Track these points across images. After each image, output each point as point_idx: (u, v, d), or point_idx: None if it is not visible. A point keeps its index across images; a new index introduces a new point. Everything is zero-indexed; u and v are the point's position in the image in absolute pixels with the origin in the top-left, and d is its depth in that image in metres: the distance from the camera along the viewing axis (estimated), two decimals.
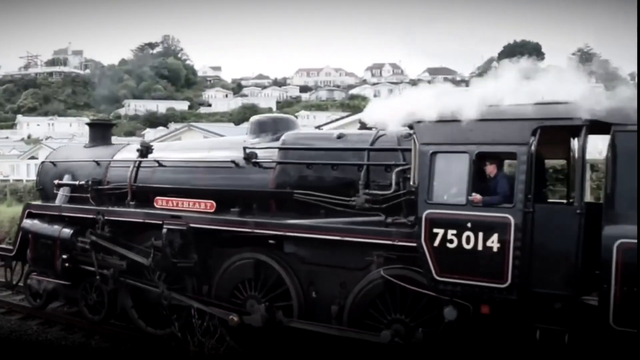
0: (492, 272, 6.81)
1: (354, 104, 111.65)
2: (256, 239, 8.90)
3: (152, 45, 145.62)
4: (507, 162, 7.91)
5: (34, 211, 11.43)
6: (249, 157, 8.96)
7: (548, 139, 7.02)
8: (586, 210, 6.49)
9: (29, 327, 11.47)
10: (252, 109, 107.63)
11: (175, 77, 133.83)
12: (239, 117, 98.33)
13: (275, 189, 8.85)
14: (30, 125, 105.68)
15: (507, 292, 6.74)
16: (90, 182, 10.72)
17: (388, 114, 7.60)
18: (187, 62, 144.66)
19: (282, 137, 9.09)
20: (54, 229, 10.79)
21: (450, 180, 7.18)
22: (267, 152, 9.14)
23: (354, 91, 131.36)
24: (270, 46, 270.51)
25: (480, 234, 6.89)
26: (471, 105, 6.93)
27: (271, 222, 8.54)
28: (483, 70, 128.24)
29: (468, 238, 6.97)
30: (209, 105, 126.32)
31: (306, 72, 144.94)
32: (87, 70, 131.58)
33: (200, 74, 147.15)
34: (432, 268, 7.15)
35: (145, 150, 10.44)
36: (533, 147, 6.65)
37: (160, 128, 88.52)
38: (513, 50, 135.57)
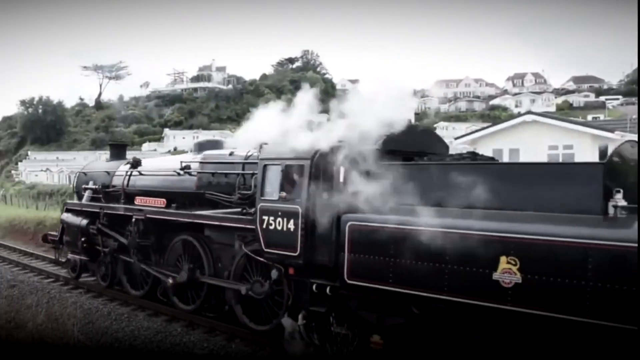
0: (290, 245, 10.30)
1: (494, 115, 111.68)
2: (189, 225, 12.94)
3: (291, 60, 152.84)
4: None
5: (68, 207, 16.42)
6: (183, 168, 13.07)
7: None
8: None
9: (174, 329, 12.73)
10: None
11: None
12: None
13: (195, 190, 12.86)
14: (176, 138, 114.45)
15: (298, 258, 10.22)
16: (100, 187, 15.42)
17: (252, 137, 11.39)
18: (326, 75, 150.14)
19: (202, 154, 13.10)
20: (78, 220, 15.62)
21: (273, 183, 10.74)
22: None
23: (494, 102, 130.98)
24: (408, 58, 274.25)
25: (285, 219, 10.42)
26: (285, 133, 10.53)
27: (178, 212, 12.65)
28: (632, 80, 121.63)
29: (279, 222, 10.52)
30: None
31: (445, 83, 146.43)
32: (230, 86, 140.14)
33: (338, 87, 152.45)
34: (262, 243, 10.77)
35: (135, 163, 14.91)
36: (313, 162, 10.09)
37: None
38: None
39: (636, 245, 6.68)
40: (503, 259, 7.83)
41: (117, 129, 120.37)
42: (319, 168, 10.09)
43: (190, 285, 12.97)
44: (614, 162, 7.71)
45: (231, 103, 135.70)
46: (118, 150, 17.08)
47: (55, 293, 15.67)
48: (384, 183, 9.25)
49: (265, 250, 10.75)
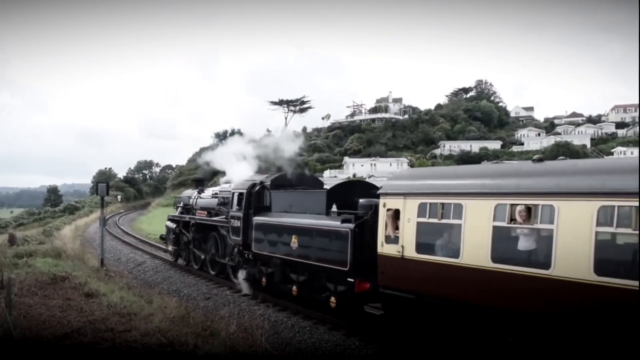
0: (239, 234, 20.30)
1: None
2: (214, 226, 23.42)
3: (465, 90, 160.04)
4: None
5: (169, 217, 27.94)
6: (214, 195, 23.70)
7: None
8: (255, 211, 19.62)
9: (352, 343, 14.05)
10: (565, 147, 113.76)
11: (488, 119, 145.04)
12: (551, 154, 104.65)
13: (216, 207, 23.34)
14: (355, 166, 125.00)
15: (240, 241, 20.15)
16: (182, 205, 26.63)
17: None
18: (500, 104, 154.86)
19: (221, 186, 23.61)
20: (172, 224, 27.01)
21: (235, 202, 20.81)
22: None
23: None
24: (584, 85, 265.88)
25: (237, 221, 20.48)
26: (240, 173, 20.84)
27: (204, 219, 23.26)
28: None
29: (236, 222, 20.59)
30: (521, 143, 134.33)
31: (623, 109, 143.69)
32: (406, 116, 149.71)
33: (512, 114, 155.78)
34: (230, 234, 20.91)
35: (199, 191, 25.85)
36: (247, 191, 20.07)
37: None
38: None
39: (335, 227, 15.81)
40: (293, 236, 17.23)
41: (301, 157, 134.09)
42: (249, 194, 20.00)
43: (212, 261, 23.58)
44: (332, 190, 16.76)
45: (407, 132, 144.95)
46: (198, 183, 28.30)
47: (245, 306, 18.66)
48: (272, 200, 19.08)
49: (232, 237, 20.88)
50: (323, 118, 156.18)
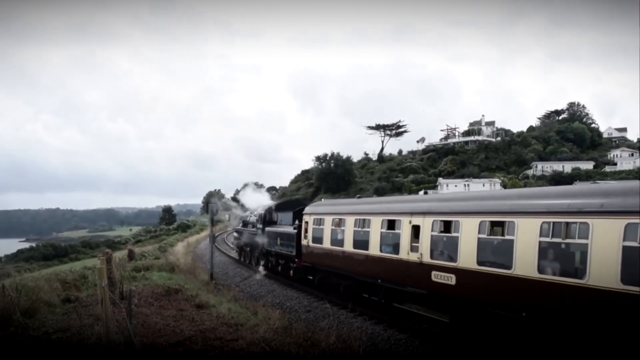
0: (260, 238, 35.06)
1: None
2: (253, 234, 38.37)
3: (557, 113, 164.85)
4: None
5: (233, 229, 43.41)
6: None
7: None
8: (267, 224, 34.39)
9: (446, 356, 15.29)
10: None
11: (581, 140, 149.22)
12: None
13: (256, 222, 38.35)
14: (449, 186, 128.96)
15: (263, 243, 34.99)
16: (241, 220, 42.02)
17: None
18: (592, 125, 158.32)
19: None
20: (236, 234, 42.40)
21: (260, 219, 35.61)
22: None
23: None
24: None
25: (260, 231, 35.09)
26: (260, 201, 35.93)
27: (245, 229, 38.45)
28: None
29: (259, 231, 35.26)
30: (615, 164, 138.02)
31: None
32: (498, 138, 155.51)
33: (605, 135, 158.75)
34: (257, 240, 35.84)
35: (252, 210, 41.06)
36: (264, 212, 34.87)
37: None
38: None
39: (290, 232, 30.27)
40: (278, 238, 31.65)
41: (397, 179, 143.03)
42: (265, 214, 34.54)
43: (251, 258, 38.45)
44: (297, 211, 30.35)
45: (500, 154, 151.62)
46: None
47: (343, 319, 19.36)
48: (277, 217, 33.76)
49: (257, 241, 35.51)
50: (418, 141, 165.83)
